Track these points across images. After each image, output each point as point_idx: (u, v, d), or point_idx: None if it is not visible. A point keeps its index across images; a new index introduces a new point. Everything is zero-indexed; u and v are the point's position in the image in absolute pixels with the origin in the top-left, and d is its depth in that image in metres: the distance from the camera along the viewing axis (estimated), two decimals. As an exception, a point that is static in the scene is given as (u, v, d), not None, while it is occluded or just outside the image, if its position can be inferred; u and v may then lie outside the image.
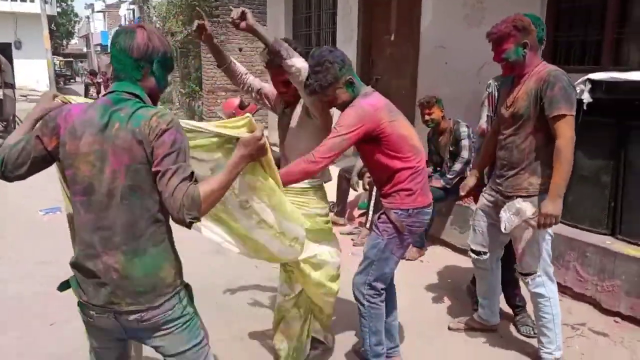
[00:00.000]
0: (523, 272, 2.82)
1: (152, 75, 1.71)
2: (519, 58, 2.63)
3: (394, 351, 2.89)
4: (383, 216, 2.56)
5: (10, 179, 1.72)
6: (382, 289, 2.64)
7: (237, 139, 1.77)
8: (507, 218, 2.68)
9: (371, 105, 2.41)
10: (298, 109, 2.63)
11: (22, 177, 1.72)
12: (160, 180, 1.55)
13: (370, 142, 2.44)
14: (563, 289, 3.74)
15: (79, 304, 1.72)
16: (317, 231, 2.64)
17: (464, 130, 4.47)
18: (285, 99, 2.67)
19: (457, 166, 4.46)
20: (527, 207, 2.67)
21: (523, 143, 2.68)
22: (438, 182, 4.52)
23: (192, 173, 1.58)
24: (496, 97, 3.20)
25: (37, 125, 1.72)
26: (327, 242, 2.73)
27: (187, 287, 1.81)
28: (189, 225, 1.57)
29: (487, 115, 3.42)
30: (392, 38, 6.47)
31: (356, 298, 2.69)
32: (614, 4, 4.20)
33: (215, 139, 1.84)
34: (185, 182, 1.53)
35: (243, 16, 2.29)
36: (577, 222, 3.82)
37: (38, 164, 1.70)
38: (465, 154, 4.44)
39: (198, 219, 1.55)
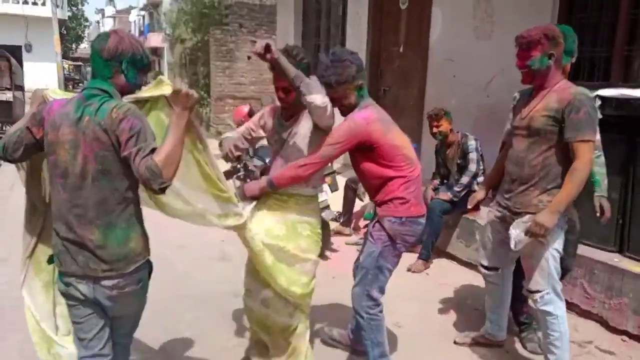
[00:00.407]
0: (531, 290, 2.76)
1: (121, 73, 1.97)
2: (542, 67, 2.58)
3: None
4: (377, 224, 2.61)
5: (10, 161, 2.06)
6: (379, 299, 2.68)
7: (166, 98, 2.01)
8: (516, 235, 2.63)
9: (364, 118, 2.51)
10: (304, 124, 2.59)
11: (20, 160, 2.07)
12: (131, 163, 1.82)
13: (364, 151, 2.54)
14: (570, 306, 3.70)
15: (59, 273, 2.00)
16: (296, 237, 2.61)
17: (471, 143, 4.47)
18: (283, 105, 2.64)
19: (465, 179, 4.45)
20: None
21: (535, 159, 2.62)
22: (445, 195, 4.51)
23: (154, 149, 1.83)
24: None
25: (28, 117, 2.02)
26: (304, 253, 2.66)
27: (149, 263, 2.08)
28: (161, 191, 1.84)
29: (508, 128, 3.20)
30: (401, 50, 6.50)
31: (355, 311, 2.72)
32: (624, 21, 4.21)
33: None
34: (146, 158, 1.79)
35: (268, 49, 2.32)
36: (584, 239, 3.78)
37: (30, 150, 2.01)
38: (472, 167, 4.44)
39: (166, 184, 1.81)
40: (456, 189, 4.48)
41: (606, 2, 4.37)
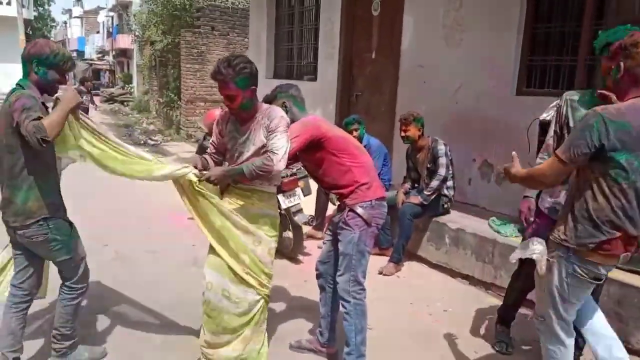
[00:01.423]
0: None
1: (35, 72, 2.56)
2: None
3: (332, 343, 3.15)
4: (350, 213, 2.77)
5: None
6: (364, 284, 2.83)
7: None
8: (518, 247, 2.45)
9: (311, 118, 2.91)
10: (259, 134, 2.67)
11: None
12: (21, 127, 2.35)
13: (318, 149, 2.77)
14: (532, 305, 3.81)
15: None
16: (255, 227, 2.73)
17: (441, 148, 4.56)
18: (232, 112, 2.73)
19: (434, 183, 4.53)
20: (537, 248, 2.33)
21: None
22: (416, 199, 4.58)
23: (39, 117, 2.37)
24: (565, 114, 2.79)
25: None
26: (259, 242, 2.76)
27: (70, 224, 2.77)
28: (40, 142, 2.32)
29: (555, 131, 2.90)
30: (373, 56, 6.58)
31: (341, 298, 2.83)
32: (587, 31, 4.36)
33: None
34: (32, 120, 2.34)
35: (208, 180, 2.61)
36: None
37: None
38: (442, 171, 4.52)
39: (48, 139, 2.34)
40: (426, 192, 4.56)
41: (570, 13, 4.53)
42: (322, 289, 3.11)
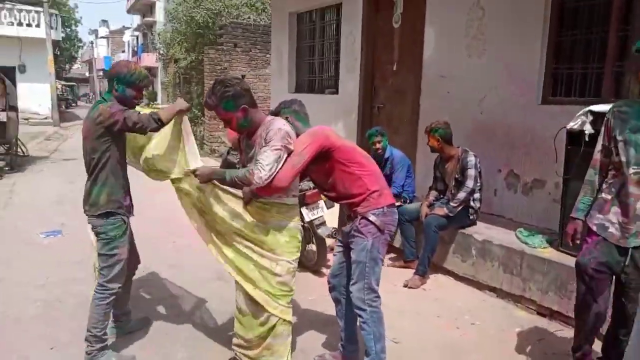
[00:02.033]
0: None
1: (115, 89, 2.99)
2: None
3: (354, 355, 3.11)
4: (363, 220, 2.77)
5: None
6: (378, 291, 2.82)
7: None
8: None
9: (319, 128, 2.86)
10: (260, 144, 2.78)
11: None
12: (126, 125, 2.90)
13: (327, 159, 2.77)
14: (566, 319, 3.72)
15: None
16: (274, 243, 2.78)
17: (471, 159, 4.50)
18: (238, 132, 2.93)
19: (462, 195, 4.47)
20: None
21: None
22: (441, 210, 4.53)
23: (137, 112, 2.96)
24: (612, 126, 2.65)
25: None
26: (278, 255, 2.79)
27: (125, 222, 3.10)
28: (156, 121, 2.93)
29: (603, 145, 2.72)
30: (395, 68, 6.57)
31: (357, 307, 2.81)
32: (614, 37, 4.29)
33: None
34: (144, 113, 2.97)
35: (195, 175, 2.85)
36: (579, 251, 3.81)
37: None
38: (470, 183, 4.46)
39: (162, 121, 2.94)
40: (452, 204, 4.50)
41: (596, 19, 4.46)
42: (336, 302, 3.11)
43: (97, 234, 3.03)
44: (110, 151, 2.95)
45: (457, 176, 4.58)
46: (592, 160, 2.77)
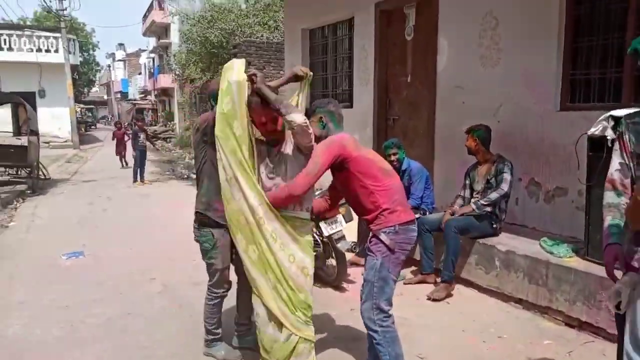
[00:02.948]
0: None
1: (212, 106, 3.17)
2: None
3: None
4: (374, 239, 2.73)
5: None
6: (389, 311, 2.74)
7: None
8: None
9: (337, 137, 2.80)
10: (289, 147, 2.83)
11: None
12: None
13: (343, 170, 2.74)
14: (595, 330, 3.62)
15: None
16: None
17: (507, 164, 4.50)
18: (272, 135, 2.83)
19: (494, 195, 4.40)
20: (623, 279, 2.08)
21: None
22: (467, 208, 4.49)
23: None
24: (628, 138, 2.28)
25: None
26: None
27: (213, 236, 3.15)
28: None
29: (621, 163, 2.29)
30: (409, 80, 6.56)
31: (368, 327, 2.76)
32: (631, 41, 4.22)
33: None
34: None
35: (252, 80, 2.70)
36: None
37: None
38: (505, 187, 4.40)
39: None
40: (482, 202, 4.44)
41: (613, 24, 4.40)
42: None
43: (197, 242, 3.28)
44: (206, 156, 3.13)
45: (489, 178, 4.53)
46: (607, 180, 2.36)
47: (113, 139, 15.77)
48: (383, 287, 2.70)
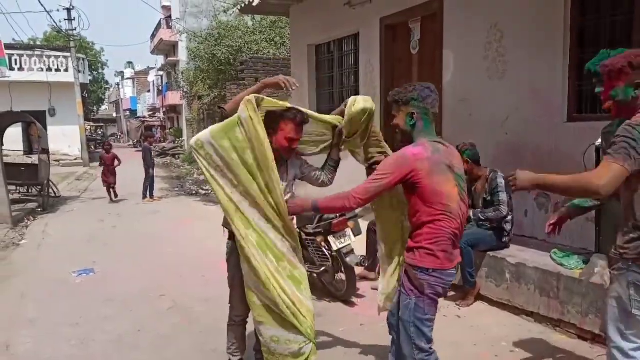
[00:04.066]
0: None
1: None
2: (627, 99, 2.21)
3: None
4: (405, 274, 2.53)
5: None
6: (430, 349, 2.57)
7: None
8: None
9: (413, 154, 2.43)
10: (290, 173, 3.00)
11: None
12: None
13: (409, 187, 2.47)
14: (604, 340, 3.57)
15: None
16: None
17: (500, 182, 4.42)
18: (290, 154, 2.95)
19: (491, 214, 4.42)
20: (599, 262, 2.38)
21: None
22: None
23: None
24: (604, 147, 2.68)
25: None
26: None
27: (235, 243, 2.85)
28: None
29: None
30: (415, 93, 6.58)
31: None
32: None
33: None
34: None
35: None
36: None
37: None
38: (504, 210, 4.39)
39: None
40: (480, 215, 4.44)
41: (618, 36, 4.41)
42: (393, 341, 2.87)
43: None
44: None
45: (485, 196, 4.52)
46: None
47: (100, 165, 12.31)
48: (420, 327, 2.51)
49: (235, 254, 2.94)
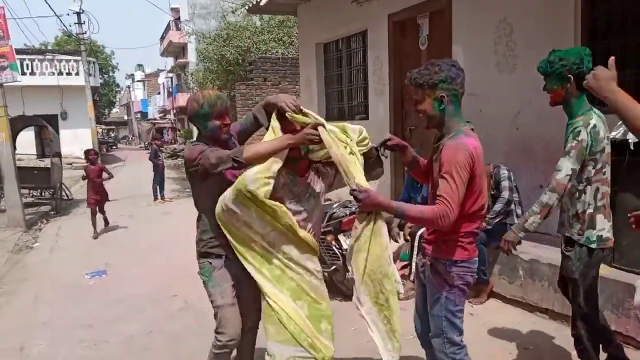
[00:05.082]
0: None
1: (200, 128, 2.68)
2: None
3: None
4: (432, 269, 2.42)
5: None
6: (461, 341, 2.50)
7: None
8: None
9: (474, 147, 2.25)
10: (318, 184, 2.76)
11: None
12: (206, 164, 2.52)
13: None
14: (625, 339, 3.51)
15: None
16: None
17: (504, 172, 4.54)
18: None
19: (498, 206, 4.44)
20: None
21: None
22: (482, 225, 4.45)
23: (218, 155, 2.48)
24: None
25: None
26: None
27: (211, 264, 2.74)
28: (233, 162, 2.44)
29: (573, 169, 2.77)
30: (424, 89, 6.53)
31: None
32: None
33: None
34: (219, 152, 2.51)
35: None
36: (635, 267, 3.62)
37: None
38: (505, 194, 4.47)
39: (239, 161, 2.41)
40: (489, 216, 4.41)
41: (630, 26, 4.33)
42: (425, 347, 2.76)
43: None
44: (202, 189, 2.69)
45: (492, 192, 4.51)
46: (559, 183, 2.81)
47: (84, 179, 8.85)
48: (452, 320, 2.43)
49: (219, 271, 2.74)
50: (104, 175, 8.78)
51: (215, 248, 2.73)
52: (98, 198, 8.51)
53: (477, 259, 2.46)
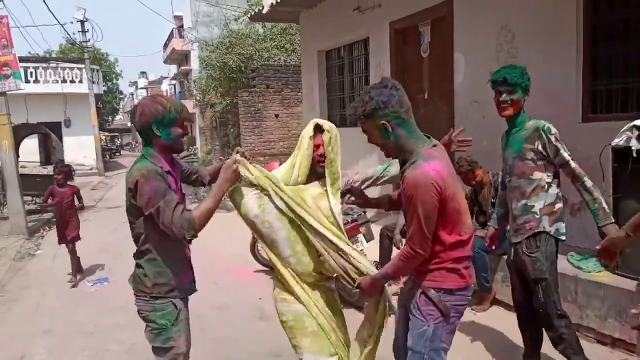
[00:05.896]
0: None
1: (158, 136, 2.27)
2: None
3: None
4: (423, 297, 2.18)
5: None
6: None
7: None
8: None
9: (437, 172, 2.03)
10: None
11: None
12: (156, 219, 2.18)
13: None
14: (629, 347, 3.49)
15: None
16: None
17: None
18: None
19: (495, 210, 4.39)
20: None
21: None
22: (482, 232, 4.42)
23: (177, 203, 2.20)
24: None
25: None
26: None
27: (176, 307, 2.40)
28: (187, 239, 2.30)
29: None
30: (426, 96, 6.54)
31: None
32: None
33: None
34: (180, 211, 2.18)
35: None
36: (638, 275, 3.60)
37: None
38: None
39: (195, 236, 2.24)
40: (490, 223, 4.40)
41: (632, 32, 4.33)
42: None
43: (144, 320, 2.40)
44: (153, 224, 2.25)
45: (493, 200, 4.48)
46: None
47: (47, 200, 6.30)
48: (434, 358, 2.19)
49: (184, 313, 2.51)
50: (76, 202, 6.29)
51: (174, 291, 2.40)
52: (72, 234, 6.16)
53: (472, 285, 2.28)
